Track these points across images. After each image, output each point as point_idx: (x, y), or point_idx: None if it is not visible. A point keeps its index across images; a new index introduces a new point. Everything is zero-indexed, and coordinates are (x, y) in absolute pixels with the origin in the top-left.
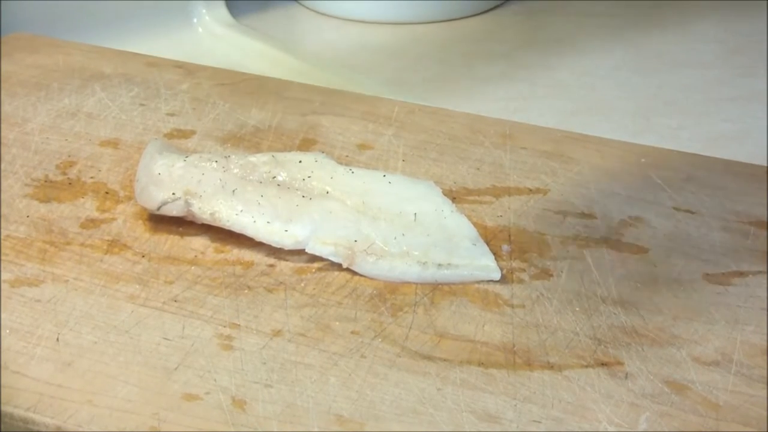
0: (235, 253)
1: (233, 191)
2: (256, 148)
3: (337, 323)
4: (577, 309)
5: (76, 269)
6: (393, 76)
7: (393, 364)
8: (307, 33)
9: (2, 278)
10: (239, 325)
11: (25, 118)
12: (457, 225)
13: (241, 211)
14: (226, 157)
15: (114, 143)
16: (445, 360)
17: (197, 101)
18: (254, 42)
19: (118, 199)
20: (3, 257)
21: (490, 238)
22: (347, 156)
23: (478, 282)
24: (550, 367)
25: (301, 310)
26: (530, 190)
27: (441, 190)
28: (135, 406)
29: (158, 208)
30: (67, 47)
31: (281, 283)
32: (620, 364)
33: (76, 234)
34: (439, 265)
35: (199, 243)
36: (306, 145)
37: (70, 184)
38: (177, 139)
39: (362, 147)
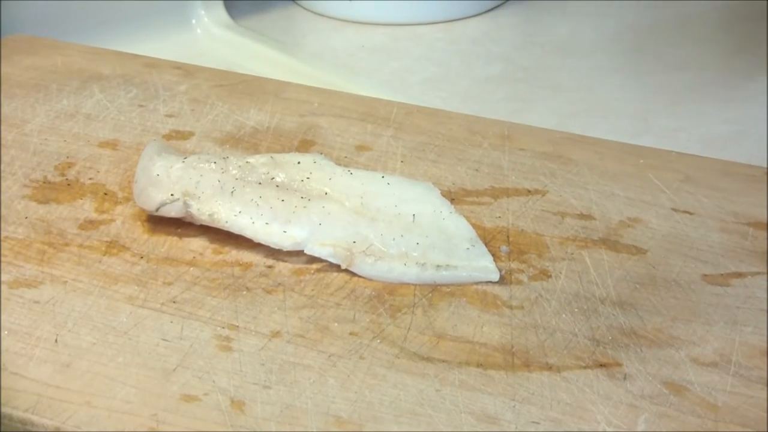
0: (234, 254)
1: (232, 192)
2: (255, 150)
3: (336, 324)
4: (576, 310)
5: (75, 270)
6: (391, 77)
7: (392, 365)
8: (305, 34)
9: (1, 279)
10: (238, 326)
11: (24, 120)
12: (456, 226)
13: (240, 212)
14: (224, 158)
15: (113, 144)
16: (443, 361)
17: (196, 102)
18: (253, 43)
19: (116, 200)
20: (2, 258)
21: (489, 239)
22: (346, 157)
23: (477, 283)
24: (549, 368)
25: (300, 312)
26: (529, 191)
27: (440, 192)
28: (134, 407)
29: (157, 210)
30: (66, 49)
31: (280, 284)
32: (619, 365)
33: (75, 235)
34: (438, 266)
35: (197, 244)
36: (304, 146)
37: (68, 185)
38: (175, 140)
39: (361, 148)
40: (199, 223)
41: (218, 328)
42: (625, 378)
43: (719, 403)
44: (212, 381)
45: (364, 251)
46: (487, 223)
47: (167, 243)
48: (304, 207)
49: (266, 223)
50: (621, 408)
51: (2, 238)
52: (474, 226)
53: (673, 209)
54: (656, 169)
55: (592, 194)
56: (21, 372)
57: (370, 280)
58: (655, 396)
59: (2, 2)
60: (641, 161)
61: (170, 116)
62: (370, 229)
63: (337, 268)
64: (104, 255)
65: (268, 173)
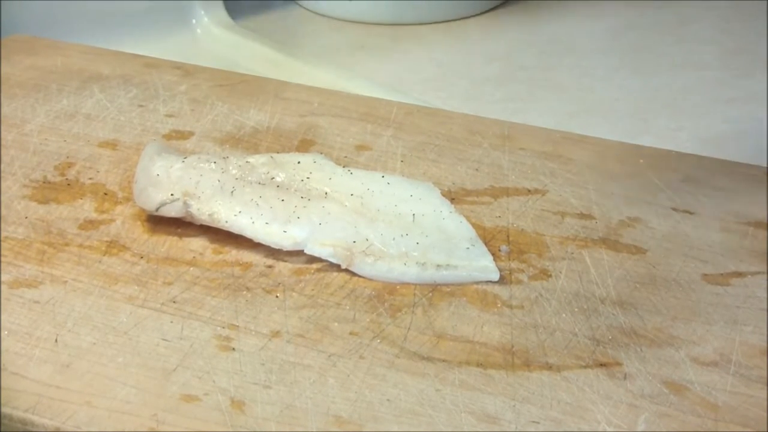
0: (234, 254)
1: (232, 192)
2: (255, 150)
3: (336, 324)
4: (576, 310)
5: (75, 270)
6: (391, 77)
7: (392, 365)
8: (305, 34)
9: (1, 279)
10: (238, 326)
11: (24, 120)
12: (456, 226)
13: (240, 212)
14: (224, 158)
15: (112, 144)
16: (443, 361)
17: (196, 102)
18: (253, 43)
19: (116, 200)
20: (2, 258)
21: (489, 238)
22: (346, 157)
23: (477, 283)
24: (549, 367)
25: (300, 311)
26: (529, 190)
27: (440, 191)
28: (134, 407)
29: (157, 209)
30: (66, 49)
31: (280, 284)
32: (619, 364)
33: (75, 235)
34: (438, 266)
35: (197, 244)
36: (304, 146)
37: (68, 185)
38: (175, 140)
39: (361, 148)
40: (199, 223)
41: (218, 328)
42: (625, 377)
43: (719, 402)
44: (212, 381)
45: (364, 251)
46: (487, 222)
47: (167, 243)
48: (304, 207)
49: (266, 223)
50: (621, 407)
51: (2, 238)
52: (474, 225)
53: (673, 209)
54: (656, 169)
55: (592, 194)
56: (21, 372)
57: (370, 279)
58: (655, 395)
59: (2, 2)
60: (641, 161)
61: (170, 116)
62: (370, 229)
63: (337, 267)
64: (104, 255)
65: (268, 173)
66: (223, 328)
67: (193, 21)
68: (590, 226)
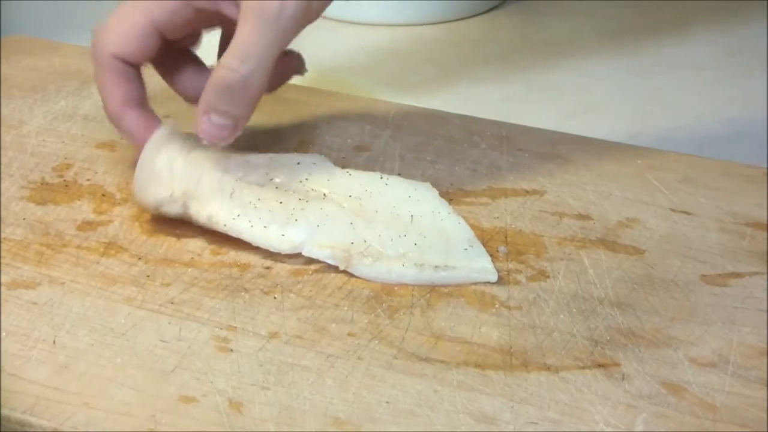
0: (232, 255)
1: (231, 194)
2: (253, 151)
3: (334, 325)
4: (574, 310)
5: (73, 272)
6: (390, 77)
7: (390, 365)
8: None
9: None
10: (236, 327)
11: (22, 121)
12: (454, 227)
13: (238, 215)
14: (226, 157)
15: (110, 146)
16: (441, 362)
17: None
18: None
19: (114, 201)
20: (0, 260)
21: (487, 239)
22: (344, 158)
23: (475, 283)
24: (547, 368)
25: (298, 312)
26: (527, 191)
27: (438, 192)
28: (132, 408)
29: (155, 208)
30: (64, 49)
31: (278, 285)
32: (617, 365)
33: (73, 236)
34: (436, 267)
35: (195, 245)
36: (303, 147)
37: (66, 186)
38: None
39: (359, 149)
40: (197, 224)
41: (216, 329)
42: (623, 378)
43: (717, 403)
44: (210, 382)
45: (362, 252)
46: (485, 223)
47: (165, 244)
48: (302, 209)
49: (264, 227)
50: (619, 408)
51: (0, 239)
52: (472, 226)
53: (672, 209)
54: (654, 170)
55: (591, 194)
56: (19, 373)
57: (368, 281)
58: (653, 396)
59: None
60: (639, 161)
61: (168, 117)
62: (368, 231)
63: (335, 269)
64: (102, 256)
65: (267, 174)
66: (221, 329)
67: None
68: (588, 226)
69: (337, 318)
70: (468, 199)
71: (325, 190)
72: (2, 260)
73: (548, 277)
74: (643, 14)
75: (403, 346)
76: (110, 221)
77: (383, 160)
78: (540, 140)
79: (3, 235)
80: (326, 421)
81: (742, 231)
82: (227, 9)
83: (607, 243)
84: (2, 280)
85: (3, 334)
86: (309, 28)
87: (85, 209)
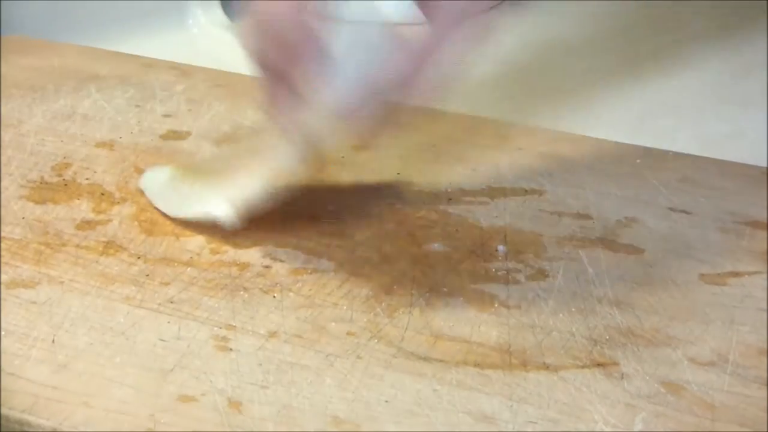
0: (231, 254)
1: None
2: None
3: (333, 324)
4: (573, 310)
5: (72, 271)
6: None
7: (389, 365)
8: None
9: None
10: (235, 326)
11: (21, 120)
12: None
13: None
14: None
15: (109, 145)
16: (441, 361)
17: (193, 102)
18: None
19: (113, 200)
20: None
21: (486, 239)
22: (343, 157)
23: (475, 283)
24: (546, 367)
25: (297, 312)
26: (526, 191)
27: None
28: (131, 407)
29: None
30: (63, 49)
31: (277, 284)
32: (616, 364)
33: (72, 236)
34: None
35: (195, 244)
36: None
37: (65, 185)
38: (172, 140)
39: (358, 148)
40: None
41: (215, 329)
42: (622, 377)
43: (716, 402)
44: (209, 381)
45: None
46: (484, 222)
47: (164, 243)
48: None
49: None
50: (618, 407)
51: None
52: (471, 226)
53: (671, 209)
54: (654, 169)
55: (590, 194)
56: (18, 373)
57: (368, 280)
58: (652, 395)
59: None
60: (639, 161)
61: (167, 116)
62: None
63: (334, 268)
64: (101, 255)
65: None
66: (221, 328)
67: (190, 21)
68: (588, 226)
69: (337, 317)
70: (467, 199)
71: None
72: (1, 259)
73: (547, 276)
74: (643, 14)
75: (402, 346)
76: (109, 220)
77: (382, 160)
78: (539, 140)
79: (2, 234)
80: (325, 420)
81: (741, 230)
82: None
83: (607, 242)
84: (1, 279)
85: (2, 333)
86: None
87: (84, 208)
